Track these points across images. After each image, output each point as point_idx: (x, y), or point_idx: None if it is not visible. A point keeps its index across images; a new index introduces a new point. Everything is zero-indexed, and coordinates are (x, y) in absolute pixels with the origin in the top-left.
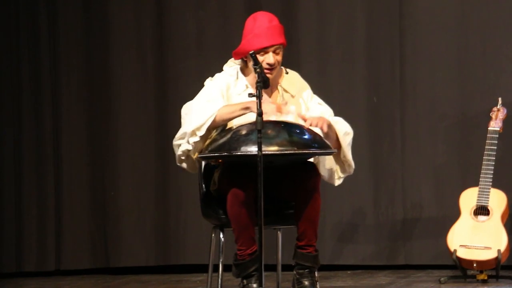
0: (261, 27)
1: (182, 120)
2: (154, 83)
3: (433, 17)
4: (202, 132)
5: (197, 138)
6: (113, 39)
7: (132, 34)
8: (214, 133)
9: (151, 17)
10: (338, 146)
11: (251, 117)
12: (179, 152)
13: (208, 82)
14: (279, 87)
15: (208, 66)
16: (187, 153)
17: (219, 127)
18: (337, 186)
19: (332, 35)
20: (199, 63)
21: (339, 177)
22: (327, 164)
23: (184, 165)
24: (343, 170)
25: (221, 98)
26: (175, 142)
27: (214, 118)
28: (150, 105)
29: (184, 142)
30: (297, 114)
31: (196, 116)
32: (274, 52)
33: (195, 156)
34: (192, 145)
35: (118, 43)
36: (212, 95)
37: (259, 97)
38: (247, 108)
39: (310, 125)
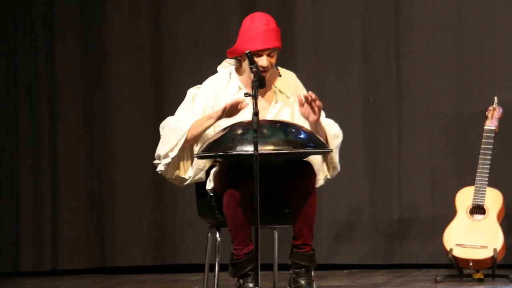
0: (258, 29)
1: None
2: (150, 82)
3: (429, 16)
4: (174, 153)
5: (169, 160)
6: (109, 39)
7: (128, 33)
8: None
9: (148, 17)
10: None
11: (248, 116)
12: (157, 171)
13: (191, 91)
14: (273, 88)
15: (204, 65)
16: (164, 173)
17: (197, 141)
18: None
19: (328, 35)
20: (196, 63)
21: (321, 178)
22: (316, 164)
23: (171, 180)
24: (327, 171)
25: (198, 111)
26: (154, 161)
27: (186, 138)
28: (146, 104)
29: (160, 163)
30: (296, 96)
31: (168, 137)
32: (268, 55)
33: (171, 176)
34: (165, 167)
35: (115, 42)
36: (186, 110)
37: (255, 96)
38: (211, 118)
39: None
